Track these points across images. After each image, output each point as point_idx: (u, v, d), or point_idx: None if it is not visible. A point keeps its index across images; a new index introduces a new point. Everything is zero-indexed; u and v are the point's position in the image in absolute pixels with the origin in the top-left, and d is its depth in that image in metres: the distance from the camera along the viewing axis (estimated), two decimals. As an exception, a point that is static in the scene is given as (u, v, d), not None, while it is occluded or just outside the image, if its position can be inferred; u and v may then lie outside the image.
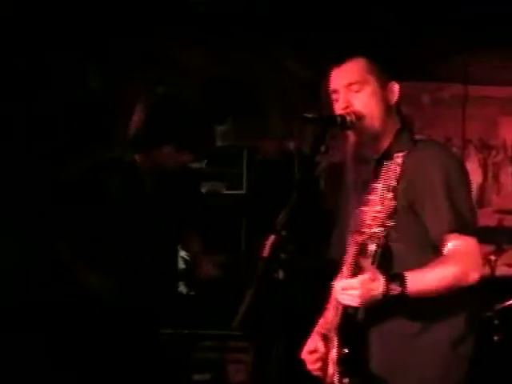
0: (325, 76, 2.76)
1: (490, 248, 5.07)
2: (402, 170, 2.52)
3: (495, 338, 4.61)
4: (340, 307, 2.54)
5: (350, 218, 2.70)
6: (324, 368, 2.71)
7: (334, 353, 2.59)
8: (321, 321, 2.88)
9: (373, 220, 2.46)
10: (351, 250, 2.54)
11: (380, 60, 2.70)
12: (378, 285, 2.37)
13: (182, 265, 4.63)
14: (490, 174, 6.54)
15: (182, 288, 4.81)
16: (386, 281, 2.37)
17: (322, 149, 2.44)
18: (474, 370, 2.69)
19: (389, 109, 2.67)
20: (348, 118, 2.56)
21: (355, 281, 2.37)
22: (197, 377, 4.85)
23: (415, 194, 2.55)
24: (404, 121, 2.74)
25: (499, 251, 5.15)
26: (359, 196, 2.65)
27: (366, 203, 2.51)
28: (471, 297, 2.63)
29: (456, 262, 2.50)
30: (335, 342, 2.58)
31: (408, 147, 2.59)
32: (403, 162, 2.53)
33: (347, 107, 2.60)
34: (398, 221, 2.44)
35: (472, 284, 2.52)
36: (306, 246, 3.19)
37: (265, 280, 2.22)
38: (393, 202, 2.43)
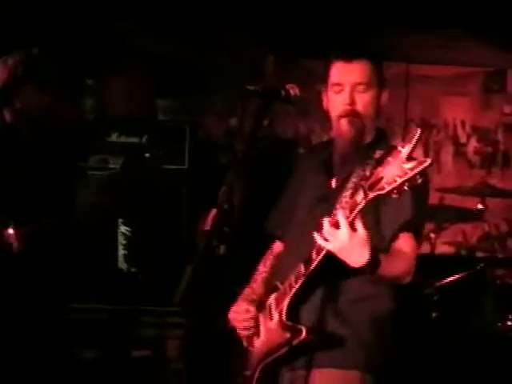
0: (267, 53, 2.77)
1: (430, 226, 5.13)
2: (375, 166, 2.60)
3: (434, 314, 4.67)
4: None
5: (307, 199, 2.83)
6: (251, 329, 2.80)
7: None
8: (247, 290, 2.98)
9: (344, 207, 2.50)
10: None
11: (379, 65, 2.84)
12: (363, 257, 2.40)
13: (122, 240, 4.59)
14: (431, 153, 6.60)
15: (123, 264, 4.77)
16: (369, 258, 2.41)
17: (265, 123, 2.42)
18: (414, 346, 2.75)
19: (378, 113, 2.82)
20: (292, 92, 2.55)
21: (352, 236, 2.36)
22: (136, 353, 4.82)
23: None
24: (382, 128, 2.91)
25: (439, 229, 5.21)
26: (323, 180, 2.80)
27: (337, 191, 2.65)
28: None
29: (405, 261, 2.64)
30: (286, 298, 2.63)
31: (383, 146, 2.64)
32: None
33: (351, 105, 2.72)
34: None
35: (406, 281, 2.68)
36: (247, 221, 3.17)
37: (206, 254, 2.20)
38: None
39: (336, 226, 2.36)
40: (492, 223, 5.79)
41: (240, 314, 2.88)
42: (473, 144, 6.61)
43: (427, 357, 4.41)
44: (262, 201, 3.19)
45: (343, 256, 2.40)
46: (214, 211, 2.25)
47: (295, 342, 2.58)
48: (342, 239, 2.35)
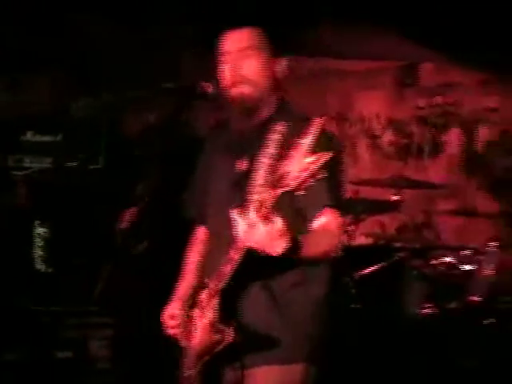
0: (185, 49, 2.76)
1: (347, 218, 5.19)
2: (282, 141, 2.54)
3: (353, 305, 4.74)
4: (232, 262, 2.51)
5: (219, 183, 2.77)
6: (186, 332, 2.74)
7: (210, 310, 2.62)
8: (180, 287, 2.93)
9: (257, 188, 2.49)
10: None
11: (271, 33, 2.76)
12: (281, 244, 2.37)
13: (39, 242, 4.52)
14: (347, 147, 6.69)
15: (40, 265, 4.70)
16: (288, 244, 2.38)
17: (182, 119, 2.42)
18: (334, 336, 2.76)
19: (273, 82, 2.74)
20: (208, 89, 2.56)
21: (269, 230, 2.33)
22: (59, 354, 4.76)
23: None
24: (284, 96, 2.81)
25: (356, 221, 5.27)
26: (232, 161, 2.73)
27: (247, 172, 2.60)
28: (333, 264, 2.75)
29: (330, 236, 2.63)
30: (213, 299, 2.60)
31: (289, 120, 2.60)
32: (284, 132, 2.56)
33: (238, 70, 2.66)
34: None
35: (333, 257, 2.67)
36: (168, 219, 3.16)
37: (124, 253, 2.18)
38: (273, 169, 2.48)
39: (251, 224, 2.34)
40: (408, 214, 5.91)
41: (175, 317, 2.82)
42: (388, 137, 6.72)
43: (349, 346, 4.48)
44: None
45: (262, 248, 2.38)
46: (131, 209, 2.23)
47: (224, 343, 2.55)
48: (259, 236, 2.33)
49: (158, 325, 2.88)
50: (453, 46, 6.11)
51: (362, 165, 6.66)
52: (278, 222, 2.34)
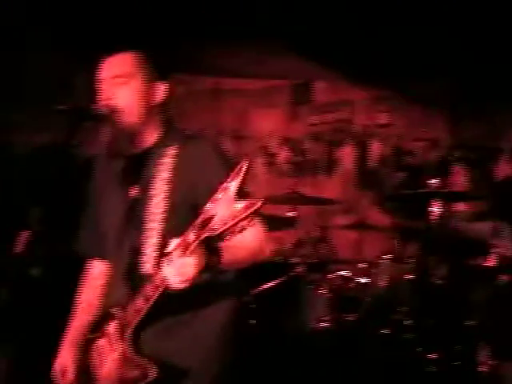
0: (81, 69, 2.71)
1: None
2: (175, 163, 2.57)
3: (252, 321, 4.77)
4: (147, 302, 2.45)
5: (112, 212, 2.69)
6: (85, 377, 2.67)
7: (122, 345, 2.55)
8: (72, 329, 2.83)
9: (155, 214, 2.51)
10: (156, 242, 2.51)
11: (151, 56, 2.68)
12: (203, 259, 2.30)
13: None
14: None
15: None
16: (207, 254, 2.31)
17: (76, 141, 2.39)
18: (238, 353, 2.77)
19: (151, 107, 2.65)
20: (102, 110, 2.52)
21: (189, 259, 2.26)
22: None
23: (192, 188, 2.53)
24: (170, 119, 2.74)
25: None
26: (120, 190, 2.66)
27: (141, 198, 2.57)
28: (234, 283, 2.73)
29: (256, 237, 2.57)
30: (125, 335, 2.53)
31: (179, 143, 2.62)
32: (176, 155, 2.58)
33: (109, 99, 2.57)
34: (176, 213, 2.46)
35: (266, 258, 2.64)
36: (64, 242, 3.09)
37: (19, 277, 2.14)
38: (169, 196, 2.51)
39: (171, 263, 2.27)
40: (304, 230, 6.00)
41: (66, 371, 2.74)
42: (283, 154, 6.83)
43: (249, 362, 4.50)
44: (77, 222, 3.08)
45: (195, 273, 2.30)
46: (24, 233, 2.20)
47: (148, 380, 2.45)
48: (183, 275, 2.28)
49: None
50: (344, 64, 6.26)
51: (257, 182, 6.74)
52: (194, 259, 2.28)
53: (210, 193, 2.18)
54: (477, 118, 6.60)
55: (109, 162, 2.74)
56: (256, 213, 2.08)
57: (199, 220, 2.18)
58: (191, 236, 2.21)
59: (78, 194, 2.89)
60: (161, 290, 2.37)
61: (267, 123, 6.87)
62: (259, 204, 2.07)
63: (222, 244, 2.33)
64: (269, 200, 5.78)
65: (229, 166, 2.51)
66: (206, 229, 2.16)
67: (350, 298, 4.86)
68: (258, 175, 6.80)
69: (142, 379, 2.47)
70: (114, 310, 2.60)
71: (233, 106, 6.78)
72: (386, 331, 4.51)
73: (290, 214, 5.38)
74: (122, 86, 2.59)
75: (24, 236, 2.19)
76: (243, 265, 2.61)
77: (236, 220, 2.08)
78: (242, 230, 2.12)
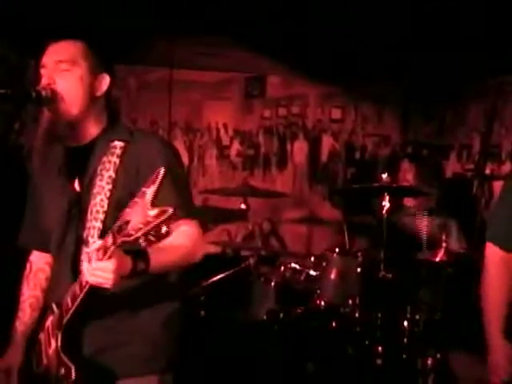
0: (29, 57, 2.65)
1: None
2: (121, 162, 2.54)
3: (202, 313, 4.78)
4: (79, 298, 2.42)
5: (55, 205, 2.65)
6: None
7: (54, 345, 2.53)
8: (19, 324, 2.79)
9: (97, 212, 2.49)
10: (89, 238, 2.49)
11: (97, 47, 2.63)
12: (127, 264, 2.31)
13: None
14: (195, 156, 6.75)
15: None
16: (133, 259, 2.32)
17: (16, 126, 2.35)
18: (184, 344, 2.77)
19: (94, 98, 2.60)
20: (44, 93, 2.46)
21: (107, 263, 2.25)
22: None
23: (136, 187, 2.38)
24: (116, 115, 2.70)
25: (204, 230, 5.29)
26: (62, 183, 2.63)
27: (84, 193, 2.55)
28: (179, 277, 2.70)
29: (188, 239, 2.56)
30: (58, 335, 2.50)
31: (124, 138, 2.59)
32: (122, 153, 2.55)
33: (49, 84, 2.51)
34: (118, 212, 2.36)
35: (196, 261, 2.62)
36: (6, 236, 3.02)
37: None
38: (113, 193, 2.49)
39: (97, 269, 2.26)
40: (255, 223, 6.02)
41: (11, 372, 2.69)
42: (235, 147, 6.84)
43: (200, 354, 4.50)
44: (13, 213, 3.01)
45: (99, 285, 2.30)
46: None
47: (69, 382, 2.43)
48: (106, 280, 2.27)
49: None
50: (297, 59, 6.30)
51: (210, 174, 6.74)
52: (115, 262, 2.26)
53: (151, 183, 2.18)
54: (427, 115, 6.69)
55: (49, 152, 2.66)
56: (168, 220, 2.09)
57: (117, 224, 2.19)
58: (109, 240, 2.21)
59: (20, 185, 2.83)
60: (85, 288, 2.36)
61: (220, 116, 6.87)
62: (170, 211, 2.08)
63: (151, 248, 2.33)
64: (220, 192, 5.84)
65: (172, 158, 2.55)
66: (121, 234, 2.16)
67: (300, 290, 4.89)
68: (210, 167, 6.80)
69: (66, 378, 2.45)
70: (53, 305, 2.58)
71: (186, 98, 6.77)
72: (334, 324, 4.54)
73: (242, 207, 5.39)
74: (64, 72, 2.53)
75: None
76: (174, 268, 2.61)
77: (149, 227, 2.09)
78: (166, 235, 2.15)
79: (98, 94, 2.61)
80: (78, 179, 2.61)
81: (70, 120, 2.55)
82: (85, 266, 2.31)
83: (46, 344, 2.59)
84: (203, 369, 4.44)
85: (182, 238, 2.53)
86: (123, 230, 2.15)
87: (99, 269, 2.26)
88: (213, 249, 5.60)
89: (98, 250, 2.25)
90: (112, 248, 2.21)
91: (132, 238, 2.14)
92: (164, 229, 2.13)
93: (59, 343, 2.50)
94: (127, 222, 2.14)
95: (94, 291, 2.36)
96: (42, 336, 2.63)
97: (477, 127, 6.22)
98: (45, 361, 2.58)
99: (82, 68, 2.57)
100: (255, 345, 4.61)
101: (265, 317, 4.73)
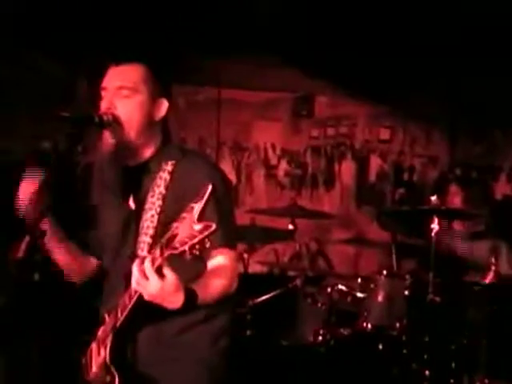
0: (81, 75, 2.70)
1: (242, 246, 5.24)
2: (171, 179, 2.59)
3: (248, 332, 4.78)
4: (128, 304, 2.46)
5: (109, 222, 2.71)
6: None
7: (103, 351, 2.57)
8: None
9: (147, 228, 2.54)
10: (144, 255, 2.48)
11: (156, 69, 2.66)
12: (178, 299, 2.36)
13: None
14: (243, 176, 6.77)
15: None
16: (185, 298, 2.36)
17: (79, 148, 2.39)
18: (233, 363, 2.77)
19: (152, 123, 2.64)
20: (105, 118, 2.51)
21: (162, 285, 2.29)
22: None
23: (185, 202, 2.43)
24: (169, 135, 2.73)
25: (251, 249, 5.32)
26: (117, 201, 2.69)
27: (136, 211, 2.60)
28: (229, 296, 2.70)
29: (226, 275, 2.59)
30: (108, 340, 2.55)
31: (175, 158, 2.63)
32: (173, 171, 2.60)
33: (109, 108, 2.55)
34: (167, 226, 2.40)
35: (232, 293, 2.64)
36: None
37: (20, 282, 2.14)
38: (163, 209, 2.54)
39: (145, 275, 2.29)
40: (302, 243, 6.00)
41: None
42: (283, 166, 6.85)
43: (246, 373, 4.49)
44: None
45: (158, 302, 2.35)
46: (26, 239, 2.20)
47: None
48: (152, 289, 2.30)
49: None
50: (346, 79, 6.30)
51: (257, 194, 6.75)
52: (170, 276, 2.30)
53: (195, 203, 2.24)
54: (476, 136, 6.63)
55: (106, 171, 2.74)
56: (209, 236, 2.14)
57: (165, 237, 2.24)
58: (157, 252, 2.26)
59: (77, 200, 2.88)
60: (134, 299, 2.41)
61: (268, 135, 6.89)
62: (214, 227, 2.14)
63: (197, 286, 2.42)
64: (268, 212, 5.84)
65: (218, 181, 2.55)
66: (169, 247, 2.20)
67: (347, 312, 4.86)
68: (258, 187, 6.81)
69: None
70: (105, 315, 2.62)
71: (234, 117, 6.80)
72: (381, 347, 4.51)
73: (289, 227, 5.39)
74: (124, 98, 2.57)
75: (25, 241, 2.20)
76: (213, 302, 2.60)
77: (194, 241, 2.14)
78: (201, 251, 2.17)
79: (157, 119, 2.65)
80: (132, 197, 2.67)
81: (127, 144, 2.59)
82: (134, 276, 2.33)
83: (96, 353, 2.62)
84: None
85: (220, 274, 2.57)
86: (170, 242, 2.20)
87: (146, 280, 2.29)
88: (260, 268, 5.62)
89: (146, 261, 2.29)
90: (159, 260, 2.25)
91: (178, 250, 2.18)
92: (208, 244, 2.16)
93: (107, 351, 2.54)
94: (175, 236, 2.20)
95: (146, 303, 2.38)
96: (93, 345, 2.66)
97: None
98: (94, 369, 2.62)
99: (143, 94, 2.60)
100: (301, 366, 4.59)
101: (311, 338, 4.72)
